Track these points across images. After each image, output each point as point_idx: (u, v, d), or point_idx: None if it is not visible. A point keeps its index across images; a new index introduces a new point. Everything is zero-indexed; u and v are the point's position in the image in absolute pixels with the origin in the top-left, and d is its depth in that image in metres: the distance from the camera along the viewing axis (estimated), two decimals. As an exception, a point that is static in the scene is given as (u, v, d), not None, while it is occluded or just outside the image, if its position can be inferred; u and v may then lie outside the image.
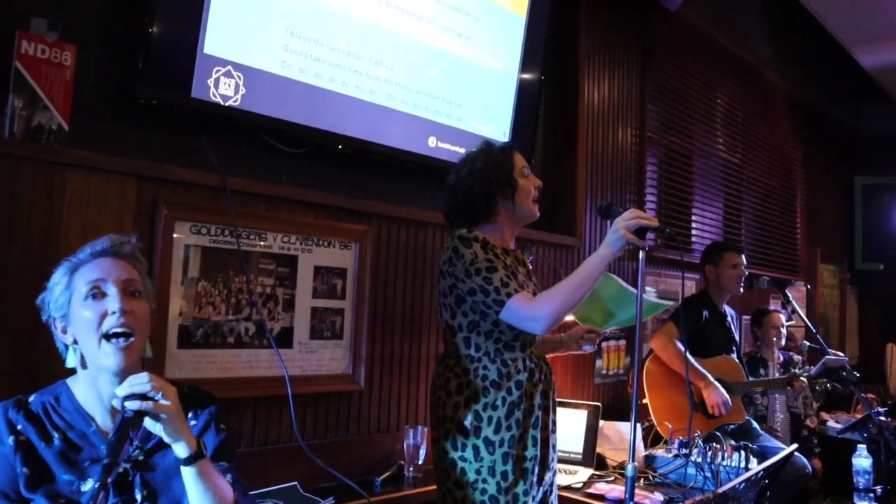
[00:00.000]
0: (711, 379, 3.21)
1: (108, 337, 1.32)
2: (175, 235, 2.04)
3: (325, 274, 2.41)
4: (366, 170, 2.61)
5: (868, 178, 6.74)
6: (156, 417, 1.26)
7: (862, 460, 3.01)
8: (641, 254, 2.01)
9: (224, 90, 2.12)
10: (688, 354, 3.06)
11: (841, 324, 6.61)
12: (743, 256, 3.55)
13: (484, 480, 1.91)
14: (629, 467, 1.92)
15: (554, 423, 2.10)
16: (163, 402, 1.26)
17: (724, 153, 4.80)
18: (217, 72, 2.10)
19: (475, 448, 1.91)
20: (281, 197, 2.29)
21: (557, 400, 2.25)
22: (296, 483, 2.14)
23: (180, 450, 1.30)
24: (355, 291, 2.48)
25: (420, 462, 2.47)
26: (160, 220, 2.00)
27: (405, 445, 2.48)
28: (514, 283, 1.88)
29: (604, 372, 3.61)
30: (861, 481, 2.97)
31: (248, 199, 2.20)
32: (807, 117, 5.96)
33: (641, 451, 2.83)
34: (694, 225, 4.42)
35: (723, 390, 3.20)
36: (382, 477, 2.41)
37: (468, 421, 1.92)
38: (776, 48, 5.42)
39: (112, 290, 1.35)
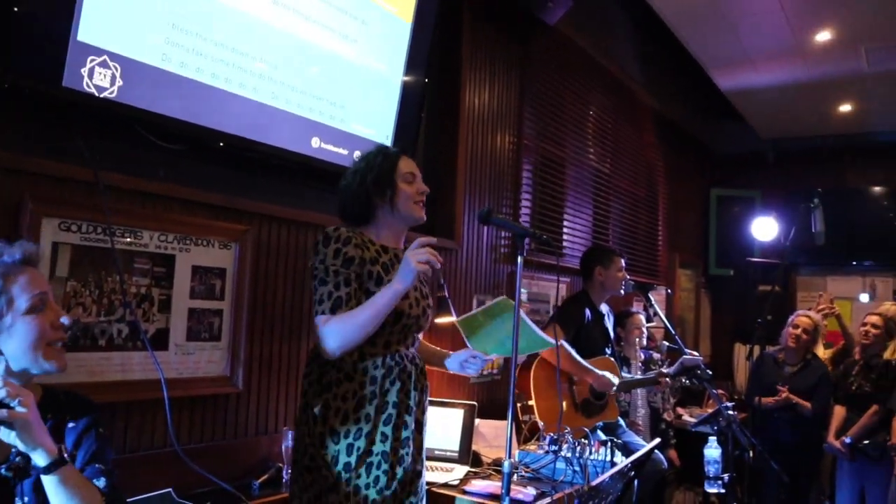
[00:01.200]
0: (597, 371, 3.39)
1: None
2: (42, 232, 1.93)
3: (203, 274, 2.35)
4: (247, 168, 2.57)
5: (722, 191, 7.29)
6: (9, 425, 1.22)
7: (712, 451, 3.27)
8: (520, 259, 2.11)
9: (99, 81, 2.02)
10: (573, 351, 3.21)
11: (696, 325, 7.09)
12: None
13: (328, 468, 1.95)
14: (505, 464, 2.00)
15: (419, 422, 2.13)
16: (19, 409, 1.22)
17: (595, 162, 5.04)
18: (92, 61, 2.00)
19: (321, 436, 1.96)
20: (158, 194, 2.22)
21: (434, 399, 2.30)
22: (170, 490, 2.08)
23: (39, 458, 1.26)
24: (234, 292, 2.43)
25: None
26: (25, 215, 1.89)
27: (283, 447, 2.47)
28: (328, 303, 1.93)
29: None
30: (711, 470, 3.23)
31: (123, 195, 2.12)
32: (670, 132, 6.37)
33: (515, 447, 2.94)
34: (565, 229, 4.61)
35: (610, 375, 3.39)
36: (260, 480, 2.38)
37: (317, 409, 1.97)
38: (644, 66, 5.76)
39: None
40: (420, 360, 2.18)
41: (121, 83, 2.07)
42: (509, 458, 2.00)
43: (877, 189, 6.98)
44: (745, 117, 6.64)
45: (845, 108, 6.20)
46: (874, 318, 4.34)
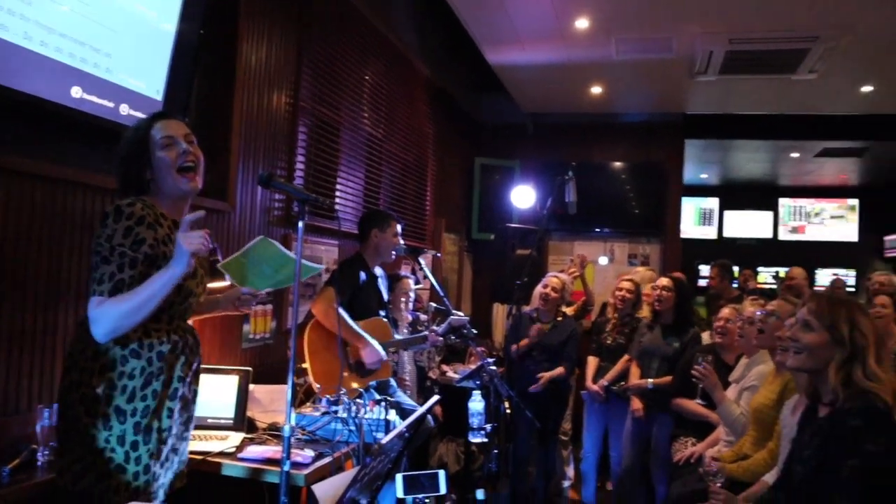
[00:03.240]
0: (369, 339, 3.45)
1: None
2: None
3: (-64, 234, 2.07)
4: (-7, 117, 2.27)
5: (485, 160, 7.72)
6: None
7: (476, 404, 3.52)
8: (300, 224, 2.11)
9: None
10: (347, 317, 3.26)
11: (458, 286, 7.50)
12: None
13: (112, 449, 1.87)
14: (286, 428, 2.02)
15: (195, 393, 2.11)
16: None
17: (369, 127, 5.09)
18: None
19: (105, 416, 1.86)
20: None
21: (207, 366, 2.26)
22: None
23: None
24: (-24, 255, 2.17)
25: (56, 444, 2.27)
26: None
27: (38, 427, 2.25)
28: (108, 285, 1.83)
29: (251, 336, 3.65)
30: (475, 421, 3.47)
31: None
32: (441, 101, 6.60)
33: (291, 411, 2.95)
34: (338, 193, 4.63)
35: (379, 348, 3.47)
36: (11, 465, 2.16)
37: (100, 389, 1.86)
38: (421, 37, 5.89)
39: None
40: (195, 330, 2.12)
41: None
42: (289, 422, 2.03)
43: (617, 164, 7.81)
44: (510, 91, 7.06)
45: (596, 90, 6.83)
46: (628, 284, 4.92)
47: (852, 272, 11.82)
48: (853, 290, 10.35)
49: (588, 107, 7.41)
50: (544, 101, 7.34)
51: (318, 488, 1.80)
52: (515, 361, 4.70)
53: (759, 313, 3.46)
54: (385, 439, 1.82)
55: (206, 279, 2.17)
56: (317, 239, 4.28)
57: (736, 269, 7.86)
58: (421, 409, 2.28)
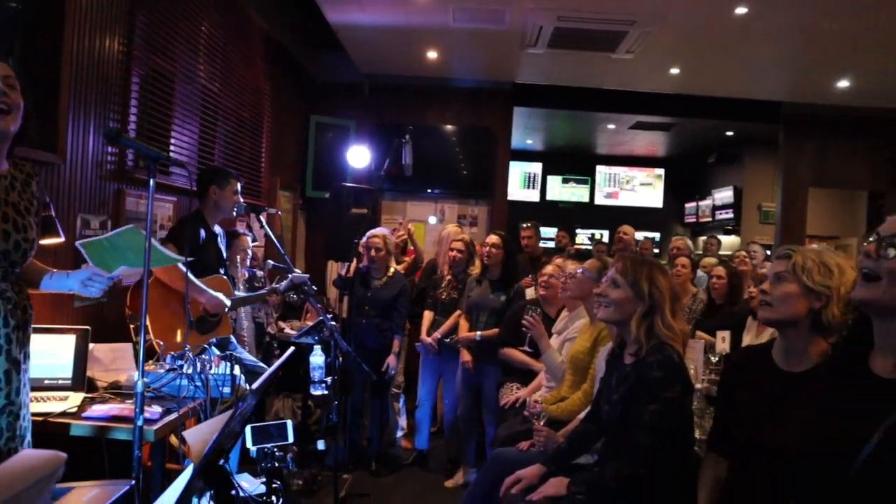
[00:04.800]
0: (211, 291, 3.44)
1: None
2: None
3: None
4: None
5: (321, 118, 7.71)
6: None
7: (317, 358, 3.64)
8: (152, 182, 2.12)
9: None
10: (189, 274, 3.23)
11: (293, 244, 7.49)
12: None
13: None
14: (139, 384, 2.06)
15: (27, 355, 2.09)
16: None
17: (205, 80, 4.96)
18: None
19: None
20: None
21: (40, 326, 2.20)
22: None
23: None
24: None
25: None
26: None
27: None
28: None
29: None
30: (316, 375, 3.60)
31: None
32: (278, 57, 6.50)
33: (133, 369, 2.92)
34: (172, 147, 4.50)
35: (220, 295, 3.47)
36: None
37: None
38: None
39: None
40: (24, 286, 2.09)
41: None
42: (142, 377, 2.06)
43: (449, 127, 8.08)
44: (348, 51, 7.07)
45: (432, 54, 7.00)
46: (459, 244, 5.18)
47: (658, 234, 13.03)
48: (657, 251, 11.42)
49: (424, 70, 7.58)
50: (381, 62, 7.43)
51: (190, 435, 1.86)
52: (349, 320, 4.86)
53: (579, 271, 3.85)
54: (256, 384, 1.91)
55: (34, 236, 2.11)
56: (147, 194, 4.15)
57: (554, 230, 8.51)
58: (279, 361, 2.38)
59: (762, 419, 2.01)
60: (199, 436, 1.77)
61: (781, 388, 2.03)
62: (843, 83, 7.20)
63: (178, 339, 3.20)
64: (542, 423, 3.12)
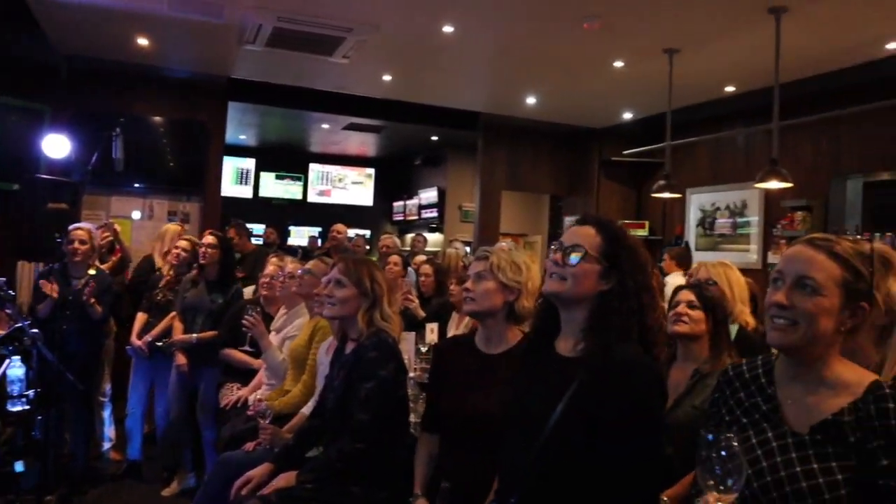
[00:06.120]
0: None
1: None
2: None
3: None
4: None
5: (8, 99, 6.83)
6: None
7: (16, 370, 3.32)
8: None
9: None
10: None
11: (-30, 241, 6.60)
12: None
13: None
14: None
15: None
16: None
17: None
18: None
19: None
20: None
21: None
22: None
23: None
24: None
25: None
26: None
27: None
28: None
29: None
30: (15, 389, 3.28)
31: None
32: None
33: None
34: None
35: None
36: None
37: None
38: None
39: None
40: None
41: None
42: None
43: (159, 119, 7.69)
44: (44, 28, 6.36)
45: (143, 41, 6.56)
46: (185, 243, 4.98)
47: (368, 232, 13.56)
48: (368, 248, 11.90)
49: (132, 57, 7.07)
50: (84, 44, 6.80)
51: None
52: (46, 321, 4.44)
53: (299, 271, 3.96)
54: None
55: None
56: None
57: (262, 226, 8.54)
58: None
59: (467, 395, 2.34)
60: None
61: (483, 367, 2.39)
62: (531, 99, 8.16)
63: None
64: (267, 421, 3.19)
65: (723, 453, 1.31)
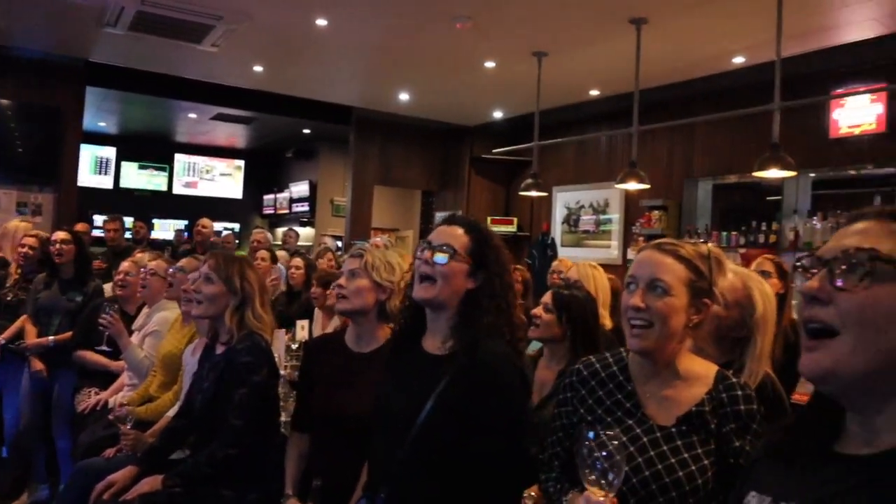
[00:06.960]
0: None
1: None
2: None
3: None
4: None
5: None
6: None
7: None
8: None
9: None
10: None
11: None
12: None
13: None
14: None
15: None
16: None
17: None
18: None
19: None
20: None
21: None
22: None
23: None
24: None
25: None
26: None
27: None
28: None
29: None
30: None
31: None
32: None
33: None
34: None
35: None
36: None
37: None
38: None
39: None
40: None
41: None
42: None
43: (5, 102, 7.15)
44: None
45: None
46: (32, 240, 4.62)
47: (237, 225, 13.18)
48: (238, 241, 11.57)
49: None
50: None
51: None
52: None
53: (170, 269, 3.81)
54: None
55: None
56: None
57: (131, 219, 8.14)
58: None
59: (337, 394, 2.35)
60: None
61: (353, 366, 2.40)
62: (404, 95, 8.22)
63: None
64: (129, 427, 3.04)
65: (604, 453, 1.37)
